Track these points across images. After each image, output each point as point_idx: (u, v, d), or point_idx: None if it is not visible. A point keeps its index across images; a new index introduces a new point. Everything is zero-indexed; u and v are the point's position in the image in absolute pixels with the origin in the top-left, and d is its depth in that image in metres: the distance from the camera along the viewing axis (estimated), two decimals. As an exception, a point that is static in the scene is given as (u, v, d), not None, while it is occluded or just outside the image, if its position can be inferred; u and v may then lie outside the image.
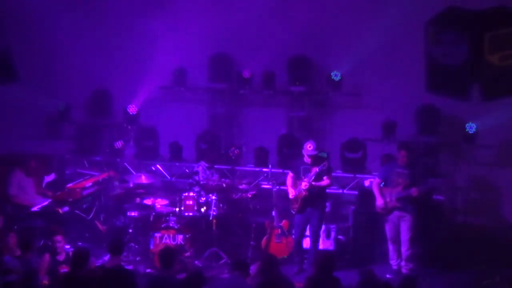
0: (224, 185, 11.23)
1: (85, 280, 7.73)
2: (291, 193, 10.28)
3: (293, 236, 10.55)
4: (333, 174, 10.62)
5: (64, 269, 8.77)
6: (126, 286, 7.76)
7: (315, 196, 10.17)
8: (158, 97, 13.22)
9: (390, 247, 10.30)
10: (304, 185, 10.11)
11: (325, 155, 11.73)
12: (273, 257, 8.32)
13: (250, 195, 11.33)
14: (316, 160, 10.21)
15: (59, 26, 12.91)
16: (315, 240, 10.32)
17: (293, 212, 10.41)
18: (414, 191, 9.90)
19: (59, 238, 9.29)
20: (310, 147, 10.20)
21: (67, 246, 9.97)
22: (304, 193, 10.13)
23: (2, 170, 11.77)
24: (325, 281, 7.79)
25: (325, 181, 10.16)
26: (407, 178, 10.01)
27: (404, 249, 10.13)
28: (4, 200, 11.34)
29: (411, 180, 9.98)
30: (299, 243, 10.43)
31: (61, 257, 9.19)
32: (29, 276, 8.26)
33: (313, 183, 10.08)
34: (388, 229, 10.23)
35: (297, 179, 10.32)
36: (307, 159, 10.22)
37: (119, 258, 8.26)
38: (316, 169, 10.09)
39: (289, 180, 10.45)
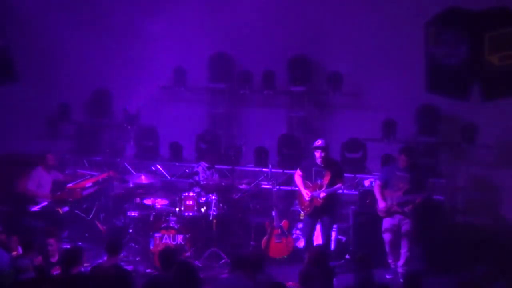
0: (224, 185, 11.23)
1: (79, 280, 7.73)
2: (306, 195, 10.20)
3: (303, 234, 10.62)
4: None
5: (57, 271, 8.77)
6: (122, 285, 7.74)
7: (329, 203, 10.19)
8: (158, 97, 13.22)
9: (388, 249, 10.26)
10: (322, 194, 10.09)
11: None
12: (259, 258, 8.24)
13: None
14: (328, 161, 10.21)
15: (59, 26, 12.89)
16: (327, 239, 10.32)
17: (303, 213, 10.43)
18: (418, 198, 9.89)
19: (51, 241, 9.27)
20: (318, 142, 10.20)
21: (67, 246, 9.99)
22: (320, 201, 10.14)
23: (2, 170, 11.80)
24: (316, 273, 7.86)
25: (338, 185, 10.19)
26: (407, 182, 9.97)
27: (403, 251, 10.12)
28: (12, 198, 11.38)
29: (411, 185, 9.95)
30: (309, 241, 10.39)
31: (54, 259, 9.19)
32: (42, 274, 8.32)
33: (330, 190, 10.09)
34: (388, 230, 10.19)
35: (306, 179, 10.30)
36: (319, 161, 10.19)
37: (117, 258, 8.24)
38: (330, 171, 10.09)
39: (298, 180, 10.38)
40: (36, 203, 11.21)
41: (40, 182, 11.38)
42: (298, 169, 10.48)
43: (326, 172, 10.15)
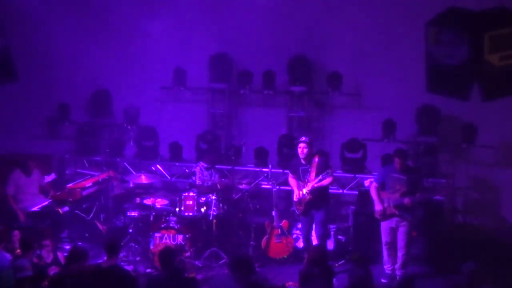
0: (219, 187, 11.17)
1: (77, 278, 7.73)
2: (296, 195, 10.28)
3: (301, 234, 10.63)
4: (334, 173, 10.60)
5: (53, 270, 8.77)
6: (121, 285, 7.75)
7: (318, 198, 10.18)
8: (158, 97, 13.22)
9: (386, 252, 10.21)
10: (306, 189, 10.11)
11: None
12: (248, 260, 8.19)
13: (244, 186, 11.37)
14: (310, 157, 10.22)
15: (59, 26, 12.91)
16: (322, 238, 10.30)
17: (297, 213, 10.44)
18: (407, 201, 9.85)
19: (47, 242, 9.28)
20: (302, 138, 10.29)
21: (67, 246, 9.99)
22: (308, 197, 10.14)
23: (2, 170, 11.80)
24: (316, 273, 7.87)
25: (327, 180, 10.15)
26: (404, 184, 9.92)
27: (400, 254, 10.06)
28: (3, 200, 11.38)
29: (408, 187, 9.90)
30: (307, 240, 10.43)
31: (48, 259, 9.19)
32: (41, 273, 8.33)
33: (315, 185, 10.08)
34: (385, 233, 10.15)
35: (297, 179, 10.33)
36: (302, 157, 10.22)
37: (116, 258, 8.24)
38: (314, 166, 10.08)
39: (291, 181, 10.46)
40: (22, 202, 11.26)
41: (18, 185, 11.36)
42: (289, 172, 10.58)
43: (311, 168, 10.16)
